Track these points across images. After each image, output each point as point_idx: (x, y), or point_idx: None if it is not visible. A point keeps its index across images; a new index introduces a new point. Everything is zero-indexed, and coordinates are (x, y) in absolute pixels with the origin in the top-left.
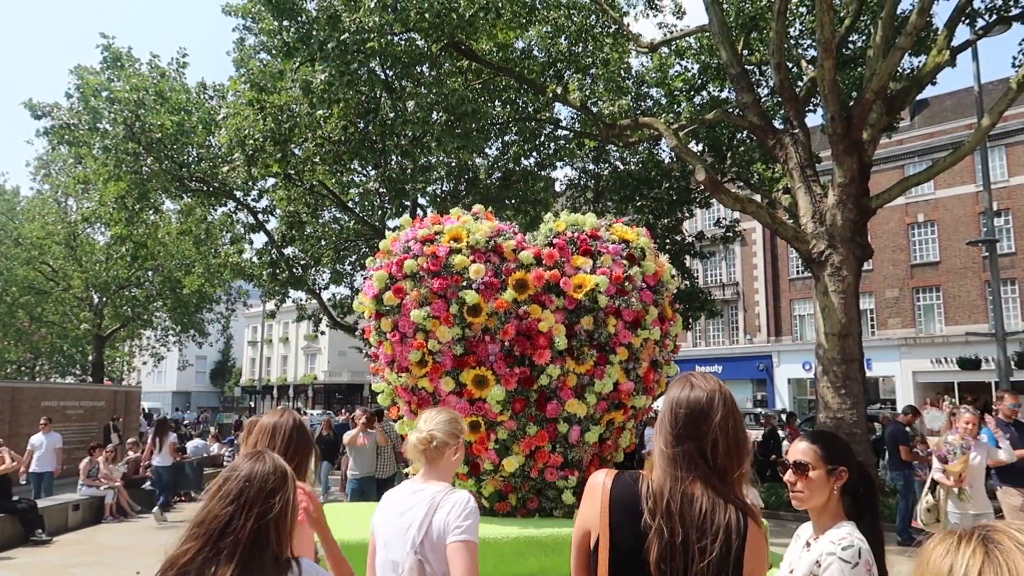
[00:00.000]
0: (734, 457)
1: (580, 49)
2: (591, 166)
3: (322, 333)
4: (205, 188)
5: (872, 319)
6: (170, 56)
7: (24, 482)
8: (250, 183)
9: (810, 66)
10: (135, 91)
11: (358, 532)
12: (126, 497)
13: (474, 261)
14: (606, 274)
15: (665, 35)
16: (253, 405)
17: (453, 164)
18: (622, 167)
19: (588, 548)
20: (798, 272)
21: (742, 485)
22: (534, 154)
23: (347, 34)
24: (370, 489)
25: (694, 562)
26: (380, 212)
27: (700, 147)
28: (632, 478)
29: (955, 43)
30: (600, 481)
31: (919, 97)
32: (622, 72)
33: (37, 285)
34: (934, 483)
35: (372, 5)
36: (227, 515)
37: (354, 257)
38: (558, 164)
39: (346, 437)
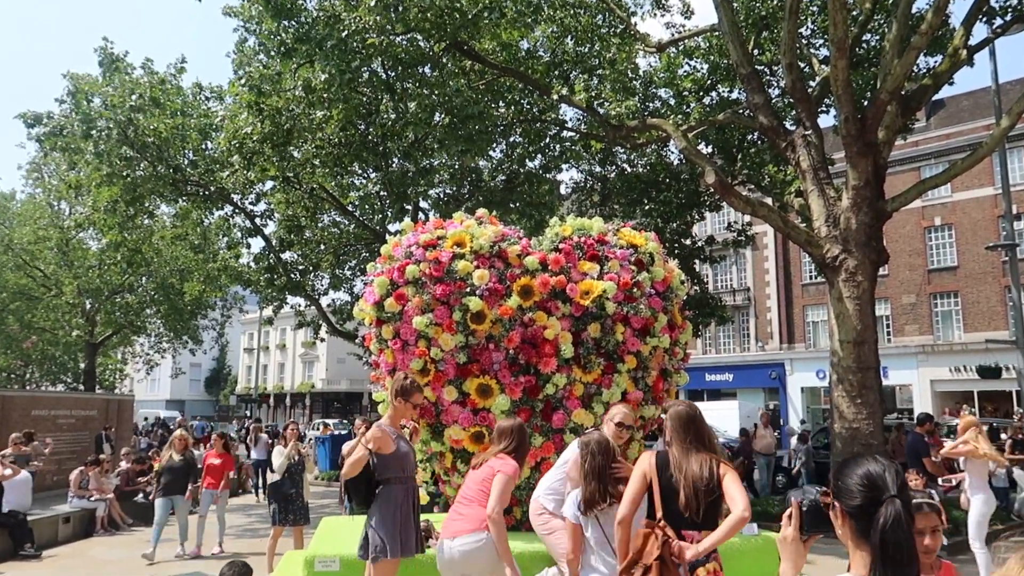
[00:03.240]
0: (713, 441)
1: (586, 49)
2: (597, 168)
3: (322, 340)
4: (201, 192)
5: (888, 326)
6: (167, 62)
7: None
8: (248, 186)
9: (823, 66)
10: (130, 94)
11: (353, 547)
12: (118, 510)
13: (478, 266)
14: (614, 280)
15: (673, 35)
16: (249, 414)
17: (456, 167)
18: (629, 169)
19: (645, 487)
20: (811, 277)
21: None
22: (539, 156)
23: (346, 33)
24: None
25: (699, 495)
26: (381, 216)
27: (710, 149)
28: (664, 452)
29: (972, 42)
30: (647, 455)
31: (935, 97)
32: (629, 72)
33: (28, 291)
34: None
35: (372, 3)
36: (601, 461)
37: (354, 262)
38: (564, 166)
39: (345, 447)
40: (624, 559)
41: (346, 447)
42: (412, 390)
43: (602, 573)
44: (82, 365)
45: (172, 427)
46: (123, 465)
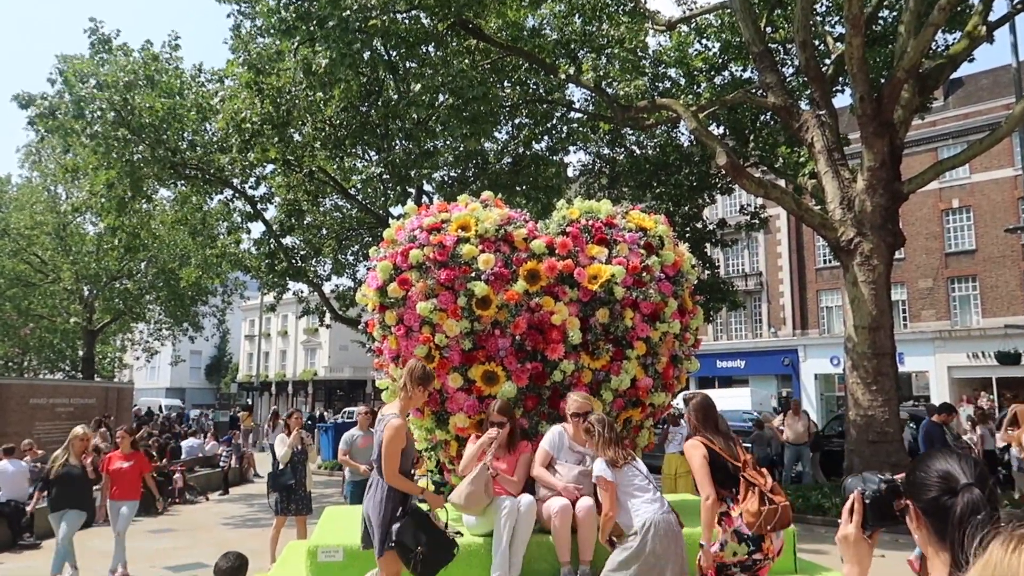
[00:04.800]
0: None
1: (594, 27)
2: (606, 150)
3: (327, 327)
4: (200, 175)
5: (904, 311)
6: (162, 41)
7: None
8: (247, 170)
9: (837, 44)
10: (125, 72)
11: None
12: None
13: (483, 251)
14: (623, 264)
15: (684, 12)
16: (251, 402)
17: (461, 148)
18: (638, 151)
19: (708, 466)
20: (825, 261)
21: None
22: (546, 138)
23: (348, 12)
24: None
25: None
26: (384, 199)
27: (721, 130)
28: (705, 437)
29: (992, 18)
30: (698, 443)
31: (953, 76)
32: (639, 51)
33: (25, 277)
34: None
35: None
36: (609, 433)
37: (357, 247)
38: (571, 148)
39: (341, 442)
40: (709, 531)
41: (351, 441)
42: (431, 377)
43: (652, 507)
44: (80, 353)
45: (169, 416)
46: None
